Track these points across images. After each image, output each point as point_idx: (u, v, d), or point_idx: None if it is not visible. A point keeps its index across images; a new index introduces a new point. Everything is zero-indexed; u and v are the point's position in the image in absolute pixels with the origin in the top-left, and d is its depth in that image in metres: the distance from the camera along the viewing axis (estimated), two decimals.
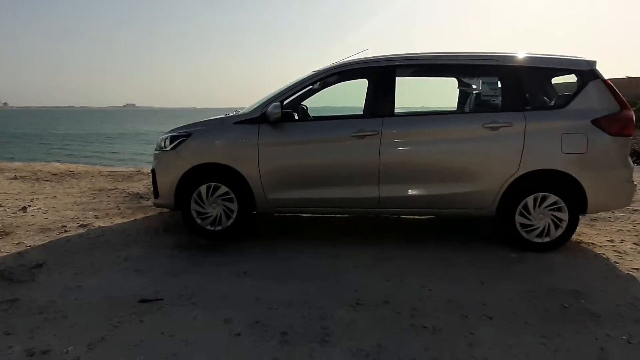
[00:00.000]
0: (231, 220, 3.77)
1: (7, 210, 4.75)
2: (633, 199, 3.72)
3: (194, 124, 3.93)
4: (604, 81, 3.56)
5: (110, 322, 2.40)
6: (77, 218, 4.44)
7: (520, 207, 3.52)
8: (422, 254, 3.52)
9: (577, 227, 3.62)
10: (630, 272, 3.18)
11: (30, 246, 3.60)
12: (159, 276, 3.05)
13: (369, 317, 2.52)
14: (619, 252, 3.59)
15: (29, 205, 4.90)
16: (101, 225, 4.22)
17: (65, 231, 4.00)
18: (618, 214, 4.66)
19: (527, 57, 3.70)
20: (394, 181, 3.60)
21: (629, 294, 2.82)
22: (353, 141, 3.58)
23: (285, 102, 3.69)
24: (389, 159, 3.56)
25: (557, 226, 3.54)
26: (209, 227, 3.80)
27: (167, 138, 3.85)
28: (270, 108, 3.56)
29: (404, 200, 3.65)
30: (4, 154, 21.31)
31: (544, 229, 3.54)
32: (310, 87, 3.82)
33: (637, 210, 4.90)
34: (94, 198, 5.39)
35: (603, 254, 3.56)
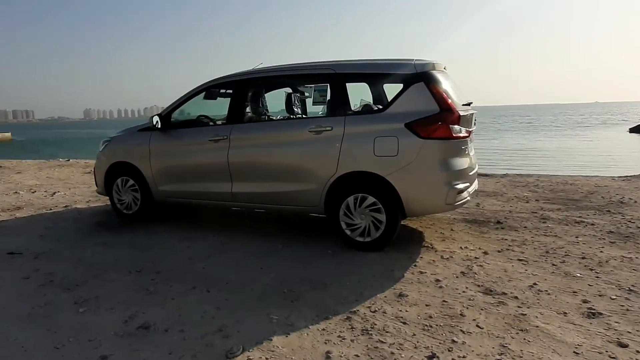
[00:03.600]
0: (137, 207, 4.79)
1: (44, 193, 6.61)
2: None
3: (121, 131, 5.07)
4: (429, 84, 3.55)
5: None
6: (74, 202, 5.99)
7: (343, 206, 3.74)
8: (253, 245, 3.99)
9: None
10: (409, 276, 3.20)
11: (14, 217, 5.18)
12: (50, 241, 4.20)
13: (133, 279, 3.24)
14: (438, 259, 3.54)
15: (59, 191, 6.71)
16: (79, 207, 5.67)
17: (50, 209, 5.54)
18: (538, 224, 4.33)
19: (356, 63, 3.88)
20: (241, 179, 4.16)
21: (358, 292, 2.96)
22: (210, 145, 4.26)
23: (166, 114, 4.54)
24: (235, 159, 4.14)
25: (377, 227, 3.66)
26: (124, 211, 4.89)
27: (101, 142, 5.07)
28: (152, 119, 4.48)
29: (251, 196, 4.16)
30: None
31: (365, 228, 3.71)
32: (187, 100, 4.56)
33: (542, 224, 4.45)
34: None
35: (421, 258, 3.55)
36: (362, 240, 3.72)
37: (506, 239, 4.02)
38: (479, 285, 3.00)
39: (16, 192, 6.71)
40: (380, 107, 3.82)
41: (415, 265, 3.38)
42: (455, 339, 2.31)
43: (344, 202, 3.73)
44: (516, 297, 2.81)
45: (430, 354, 2.17)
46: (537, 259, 3.49)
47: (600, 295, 2.82)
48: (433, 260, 3.49)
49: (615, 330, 2.39)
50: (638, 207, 5.13)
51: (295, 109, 4.15)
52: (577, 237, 4.03)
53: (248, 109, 4.28)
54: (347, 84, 3.86)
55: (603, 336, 2.33)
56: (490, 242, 3.95)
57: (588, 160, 13.42)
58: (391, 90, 3.80)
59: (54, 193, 6.60)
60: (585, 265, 3.33)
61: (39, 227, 4.68)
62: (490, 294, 2.86)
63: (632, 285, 2.96)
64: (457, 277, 3.16)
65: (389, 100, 3.70)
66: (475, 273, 3.22)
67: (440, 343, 2.28)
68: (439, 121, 3.46)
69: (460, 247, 3.80)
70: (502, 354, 2.17)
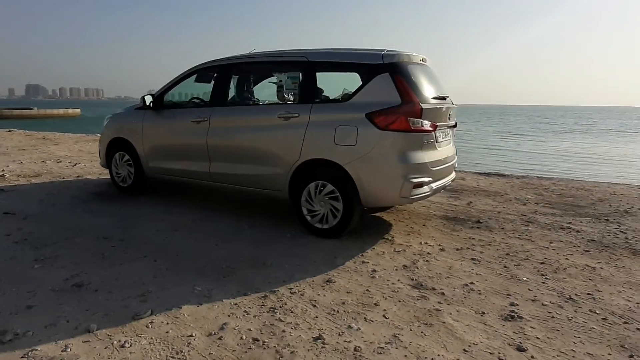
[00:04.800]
0: (131, 181, 5.11)
1: (68, 163, 7.17)
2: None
3: (124, 109, 5.39)
4: (394, 75, 3.52)
5: None
6: (88, 173, 6.46)
7: (305, 193, 3.81)
8: (222, 223, 4.16)
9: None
10: (349, 265, 3.24)
11: (29, 182, 5.69)
12: (45, 205, 4.59)
13: (96, 244, 3.50)
14: (389, 252, 3.53)
15: (81, 163, 7.24)
16: (88, 178, 6.11)
17: (63, 178, 6.01)
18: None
19: (327, 52, 3.89)
20: (218, 160, 4.32)
21: (290, 274, 3.05)
22: (193, 125, 4.44)
23: (159, 94, 4.77)
24: (213, 141, 4.30)
25: (334, 215, 3.71)
26: (120, 184, 5.22)
27: (105, 118, 5.42)
28: (145, 98, 4.73)
29: (225, 176, 4.32)
30: None
31: (324, 215, 3.76)
32: (179, 82, 4.76)
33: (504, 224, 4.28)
34: None
35: (373, 249, 3.56)
36: (321, 226, 3.77)
37: (473, 239, 3.92)
38: (412, 279, 2.98)
39: (43, 162, 7.32)
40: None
41: (362, 255, 3.40)
42: (353, 325, 2.34)
43: (306, 188, 3.79)
44: (442, 294, 2.77)
45: (318, 335, 2.23)
46: (491, 260, 3.39)
47: (533, 301, 2.72)
48: (383, 252, 3.48)
49: (524, 334, 2.32)
50: None
51: (278, 95, 4.25)
52: (550, 243, 3.86)
53: (227, 93, 4.41)
54: (318, 72, 3.89)
55: (506, 339, 2.27)
56: (456, 240, 3.87)
57: None
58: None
59: (76, 164, 7.14)
60: (538, 271, 3.20)
61: (43, 192, 5.11)
62: (418, 288, 2.84)
63: (575, 295, 2.82)
64: (396, 269, 3.15)
65: (355, 90, 3.69)
66: (417, 268, 3.19)
67: (335, 327, 2.32)
68: (398, 113, 3.42)
69: (420, 242, 3.76)
70: (389, 343, 2.19)
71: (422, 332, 2.31)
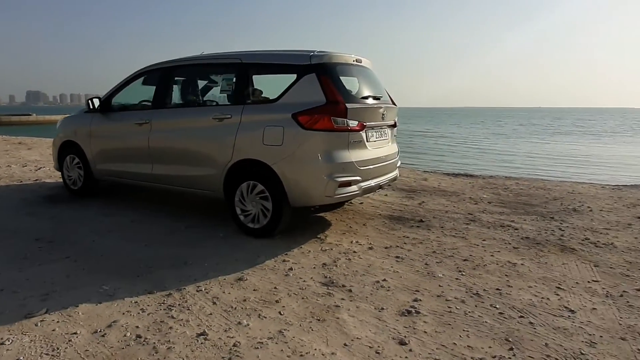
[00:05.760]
0: (81, 183, 5.13)
1: (33, 167, 7.19)
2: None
3: (75, 112, 5.42)
4: (320, 75, 3.55)
5: None
6: (48, 177, 6.47)
7: (238, 193, 3.83)
8: (159, 224, 4.18)
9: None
10: (268, 263, 3.25)
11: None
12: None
13: (23, 245, 3.52)
14: (315, 251, 3.55)
15: (45, 167, 7.27)
16: (46, 181, 6.13)
17: (21, 181, 6.03)
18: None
19: (260, 53, 3.93)
20: (159, 161, 4.34)
21: (206, 272, 3.06)
22: (136, 128, 4.47)
23: (106, 98, 4.80)
24: (154, 143, 4.33)
25: (265, 215, 3.73)
26: (71, 187, 5.24)
27: (58, 121, 5.45)
28: (91, 101, 4.76)
29: (167, 177, 4.33)
30: None
31: (255, 215, 3.78)
32: (126, 85, 4.79)
33: (465, 228, 4.30)
34: None
35: (300, 247, 3.58)
36: (253, 226, 3.79)
37: (408, 237, 3.94)
38: (326, 277, 2.99)
39: (9, 166, 7.34)
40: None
41: (286, 254, 3.41)
42: (244, 321, 2.36)
43: (239, 188, 3.81)
44: (350, 291, 2.79)
45: (202, 332, 2.24)
46: (415, 258, 3.41)
47: (438, 296, 2.74)
48: (309, 251, 3.50)
49: (414, 329, 2.33)
50: (586, 217, 4.82)
51: (214, 97, 4.29)
52: (483, 241, 3.88)
53: (168, 95, 4.44)
54: (252, 74, 3.93)
55: (392, 333, 2.28)
56: (389, 238, 3.89)
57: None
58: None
59: (40, 168, 7.16)
60: (457, 268, 3.22)
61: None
62: (328, 286, 2.86)
63: (484, 290, 2.84)
64: (314, 267, 3.16)
65: (283, 90, 3.72)
66: (337, 266, 3.20)
67: (225, 324, 2.33)
68: (321, 112, 3.44)
69: (352, 242, 3.77)
70: (271, 338, 2.20)
71: (310, 327, 2.32)
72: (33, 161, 8.01)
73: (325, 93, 3.49)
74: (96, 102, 4.79)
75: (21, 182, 6.02)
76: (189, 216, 4.46)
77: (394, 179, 4.40)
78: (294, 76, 3.66)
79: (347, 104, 3.51)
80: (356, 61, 4.01)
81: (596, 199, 5.80)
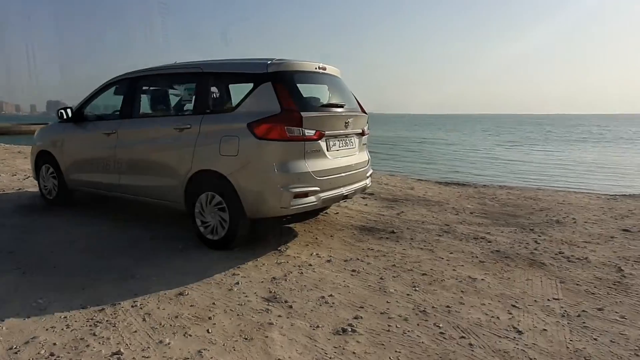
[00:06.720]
0: (55, 193, 5.13)
1: (22, 176, 7.25)
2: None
3: (51, 122, 5.44)
4: (276, 84, 3.47)
5: None
6: (32, 186, 6.51)
7: (197, 204, 3.76)
8: (125, 234, 4.13)
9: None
10: (216, 277, 3.17)
11: None
12: None
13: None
14: (270, 264, 3.45)
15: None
16: (29, 190, 6.16)
17: (3, 191, 6.08)
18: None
19: (220, 62, 3.87)
20: (125, 171, 4.30)
21: (148, 286, 2.98)
22: (104, 138, 4.45)
23: (78, 108, 4.80)
24: (120, 154, 4.30)
25: (222, 226, 3.65)
26: (47, 196, 5.25)
27: (36, 131, 5.48)
28: (62, 112, 4.77)
29: (133, 188, 4.29)
30: None
31: (214, 227, 3.70)
32: (98, 95, 4.79)
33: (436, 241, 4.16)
34: None
35: (255, 260, 3.48)
36: (212, 238, 3.71)
37: (372, 249, 3.81)
38: (270, 292, 2.89)
39: None
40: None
41: (238, 267, 3.31)
42: (166, 340, 2.26)
43: (198, 199, 3.74)
44: (291, 307, 2.68)
45: (118, 350, 2.16)
46: (372, 272, 3.28)
47: (382, 314, 2.61)
48: (263, 264, 3.40)
49: (343, 349, 2.21)
50: (568, 228, 4.63)
51: (177, 107, 4.26)
52: (450, 254, 3.73)
53: (134, 105, 4.40)
54: (212, 83, 3.88)
55: (319, 354, 2.16)
56: (352, 251, 3.77)
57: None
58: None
59: (28, 177, 7.21)
60: (413, 283, 3.08)
61: None
62: (269, 301, 2.75)
63: (432, 307, 2.70)
64: (262, 282, 3.06)
65: (240, 99, 3.65)
66: (286, 280, 3.09)
67: (145, 342, 2.24)
68: (275, 122, 3.36)
69: (311, 254, 3.66)
70: (187, 359, 2.10)
71: (233, 347, 2.22)
72: (24, 170, 8.08)
73: (280, 102, 3.41)
74: (69, 112, 4.80)
75: (4, 191, 6.06)
76: (160, 226, 4.40)
77: (364, 188, 4.28)
78: (252, 85, 3.60)
79: (302, 113, 3.43)
80: (320, 68, 3.92)
81: (585, 210, 5.59)
